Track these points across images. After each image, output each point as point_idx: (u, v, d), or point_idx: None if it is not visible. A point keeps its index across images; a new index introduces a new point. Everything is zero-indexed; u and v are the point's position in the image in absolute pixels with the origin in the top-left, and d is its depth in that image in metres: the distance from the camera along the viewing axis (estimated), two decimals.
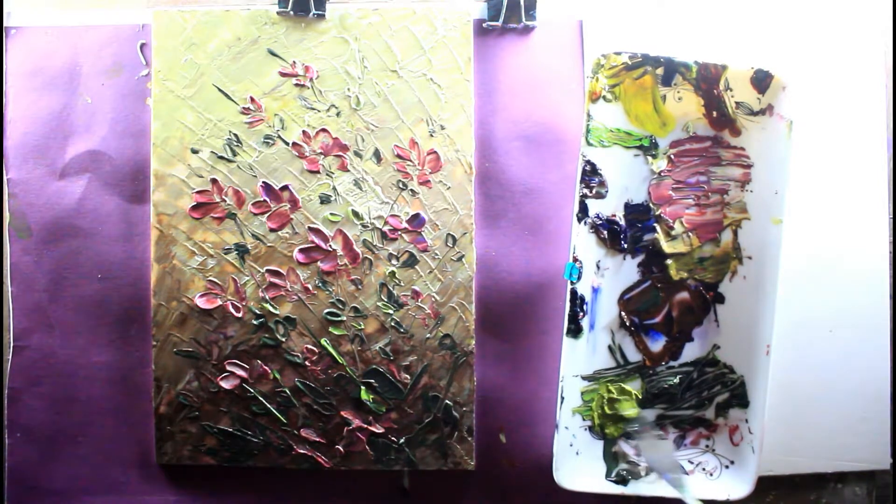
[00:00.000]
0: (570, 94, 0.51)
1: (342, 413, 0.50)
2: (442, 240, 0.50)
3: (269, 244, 0.50)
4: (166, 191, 0.50)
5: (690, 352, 0.51)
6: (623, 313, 0.51)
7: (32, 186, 0.51)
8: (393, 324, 0.50)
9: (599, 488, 0.49)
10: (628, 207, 0.50)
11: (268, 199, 0.50)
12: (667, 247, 0.50)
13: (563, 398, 0.48)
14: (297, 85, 0.50)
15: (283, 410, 0.50)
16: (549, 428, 0.49)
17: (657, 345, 0.51)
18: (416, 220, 0.50)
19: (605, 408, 0.50)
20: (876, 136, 0.52)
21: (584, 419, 0.50)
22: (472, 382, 0.50)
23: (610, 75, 0.48)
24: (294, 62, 0.50)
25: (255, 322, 0.50)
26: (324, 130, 0.50)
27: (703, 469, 0.50)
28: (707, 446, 0.51)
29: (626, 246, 0.50)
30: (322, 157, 0.50)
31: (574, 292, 0.48)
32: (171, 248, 0.50)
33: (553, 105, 0.51)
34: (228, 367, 0.50)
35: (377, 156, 0.50)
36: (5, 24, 0.51)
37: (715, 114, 0.50)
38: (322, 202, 0.50)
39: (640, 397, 0.51)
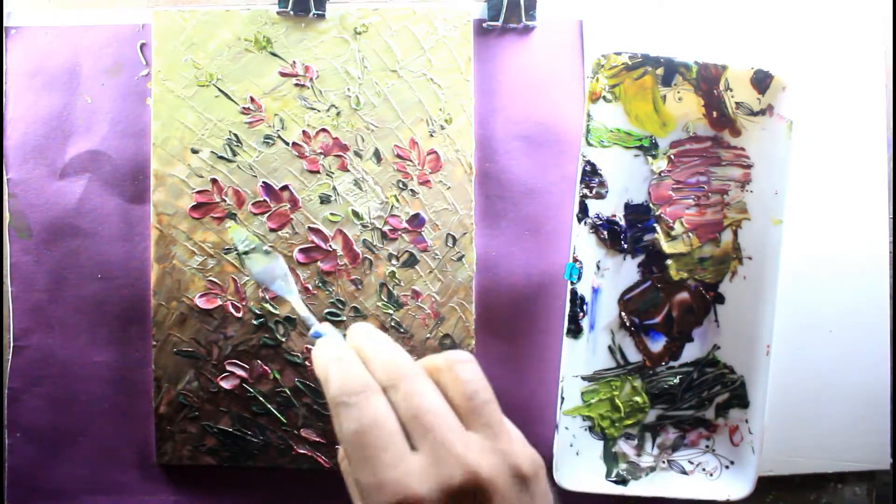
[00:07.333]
0: (570, 94, 0.51)
1: None
2: (442, 240, 0.50)
3: (269, 244, 0.50)
4: (166, 191, 0.50)
5: (690, 352, 0.51)
6: (623, 313, 0.51)
7: (32, 186, 0.51)
8: (393, 324, 0.50)
9: (599, 488, 0.49)
10: (628, 207, 0.50)
11: (268, 199, 0.50)
12: (667, 247, 0.50)
13: (563, 398, 0.48)
14: (297, 85, 0.50)
15: (283, 410, 0.50)
16: (549, 428, 0.49)
17: (657, 345, 0.51)
18: (416, 220, 0.50)
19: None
20: (876, 136, 0.52)
21: (584, 419, 0.50)
22: None
23: (610, 75, 0.48)
24: (294, 62, 0.50)
25: (255, 322, 0.50)
26: (324, 130, 0.50)
27: (703, 469, 0.50)
28: (707, 446, 0.51)
29: (626, 246, 0.50)
30: (322, 157, 0.50)
31: (574, 292, 0.48)
32: (171, 248, 0.50)
33: (553, 105, 0.51)
34: (228, 367, 0.50)
35: (377, 156, 0.50)
36: (5, 24, 0.51)
37: (715, 114, 0.50)
38: (322, 202, 0.50)
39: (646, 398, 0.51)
